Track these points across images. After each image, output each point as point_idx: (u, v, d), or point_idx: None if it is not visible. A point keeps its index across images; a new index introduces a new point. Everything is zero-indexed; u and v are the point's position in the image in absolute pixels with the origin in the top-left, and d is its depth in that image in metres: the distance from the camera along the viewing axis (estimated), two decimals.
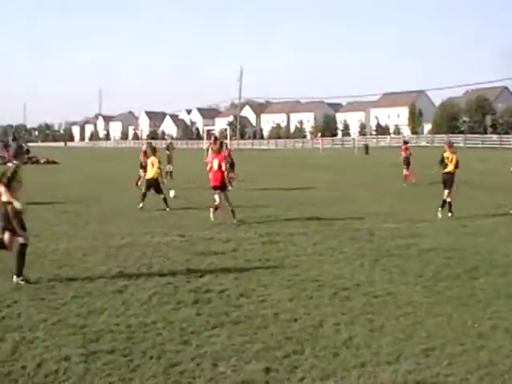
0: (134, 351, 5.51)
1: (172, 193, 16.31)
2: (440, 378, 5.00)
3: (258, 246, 10.68)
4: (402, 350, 5.58)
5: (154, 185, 16.18)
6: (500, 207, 16.16)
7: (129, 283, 7.93)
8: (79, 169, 37.61)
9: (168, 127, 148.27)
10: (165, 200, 15.98)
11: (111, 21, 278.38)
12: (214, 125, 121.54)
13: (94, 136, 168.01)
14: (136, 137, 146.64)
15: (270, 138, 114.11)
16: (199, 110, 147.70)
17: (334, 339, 5.87)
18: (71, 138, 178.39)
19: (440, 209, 14.55)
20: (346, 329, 6.17)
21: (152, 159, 16.39)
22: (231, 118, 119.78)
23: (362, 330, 6.13)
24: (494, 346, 5.69)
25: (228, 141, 62.11)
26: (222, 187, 13.57)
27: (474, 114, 79.94)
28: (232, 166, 20.95)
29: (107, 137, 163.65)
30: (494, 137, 65.23)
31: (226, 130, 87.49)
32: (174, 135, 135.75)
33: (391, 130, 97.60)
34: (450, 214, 14.40)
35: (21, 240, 7.96)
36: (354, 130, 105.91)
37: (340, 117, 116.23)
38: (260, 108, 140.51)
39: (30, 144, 76.39)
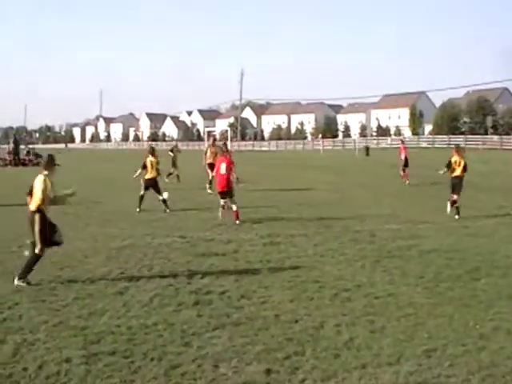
0: (135, 353, 5.51)
1: (166, 194, 16.26)
2: (441, 379, 4.99)
3: (259, 247, 10.68)
4: (403, 351, 5.58)
5: (153, 185, 16.14)
6: (501, 208, 16.15)
7: (130, 285, 7.93)
8: (80, 170, 37.62)
9: (169, 129, 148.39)
10: (164, 201, 15.96)
11: (111, 21, 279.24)
12: (214, 126, 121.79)
13: (95, 138, 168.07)
14: (137, 138, 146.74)
15: (270, 139, 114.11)
16: (200, 111, 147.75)
17: (334, 340, 5.87)
18: (72, 140, 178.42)
19: (457, 217, 14.45)
20: (346, 330, 6.17)
21: (150, 159, 16.31)
22: (232, 120, 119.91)
23: (363, 331, 6.13)
24: (496, 348, 5.68)
25: (229, 142, 62.24)
26: (228, 193, 13.58)
27: (474, 115, 79.94)
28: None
29: (108, 138, 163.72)
30: (495, 138, 65.17)
31: (226, 131, 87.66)
32: (175, 137, 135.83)
33: (392, 132, 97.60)
34: (456, 217, 14.42)
35: (37, 250, 7.95)
36: (355, 132, 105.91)
37: (341, 118, 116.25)
38: (261, 109, 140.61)
39: (31, 146, 76.29)
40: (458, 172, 14.88)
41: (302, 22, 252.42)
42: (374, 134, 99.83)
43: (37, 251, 7.97)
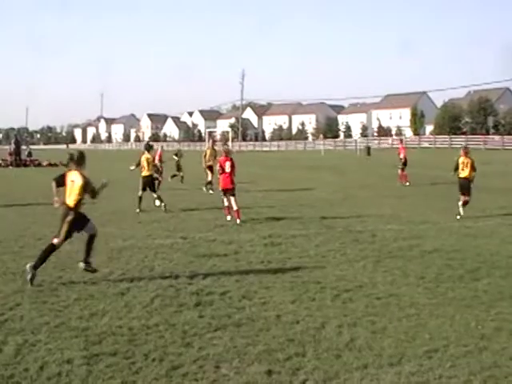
0: (136, 354, 5.51)
1: (157, 202, 16.28)
2: (443, 380, 4.99)
3: (260, 247, 10.68)
4: (405, 352, 5.57)
5: (150, 183, 16.18)
6: (502, 208, 16.13)
7: (131, 285, 7.93)
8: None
9: (170, 129, 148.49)
10: (159, 198, 16.04)
11: (113, 22, 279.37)
12: (215, 127, 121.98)
13: (96, 138, 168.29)
14: (138, 139, 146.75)
15: (271, 139, 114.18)
16: (201, 112, 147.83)
17: (336, 341, 5.86)
18: (73, 141, 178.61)
19: (458, 217, 14.49)
20: (348, 331, 6.17)
21: (146, 156, 16.26)
22: (233, 120, 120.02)
23: (365, 332, 6.13)
24: (498, 348, 5.67)
25: (230, 143, 62.29)
26: (232, 190, 13.91)
27: (475, 115, 79.86)
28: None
29: (109, 139, 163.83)
30: (496, 138, 65.17)
31: (227, 132, 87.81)
32: (176, 137, 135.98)
33: (393, 132, 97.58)
34: (458, 217, 14.41)
35: (56, 241, 8.09)
36: (356, 132, 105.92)
37: (342, 118, 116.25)
38: (262, 110, 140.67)
39: (33, 147, 76.40)
40: (465, 173, 14.85)
41: (303, 22, 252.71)
42: (376, 134, 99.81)
43: (55, 242, 8.06)
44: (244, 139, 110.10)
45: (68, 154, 8.68)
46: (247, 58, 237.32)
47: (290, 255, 10.04)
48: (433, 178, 27.40)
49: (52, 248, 8.14)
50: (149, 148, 16.90)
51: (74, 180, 8.22)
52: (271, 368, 5.20)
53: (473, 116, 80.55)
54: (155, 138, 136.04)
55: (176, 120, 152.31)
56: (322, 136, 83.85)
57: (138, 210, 15.62)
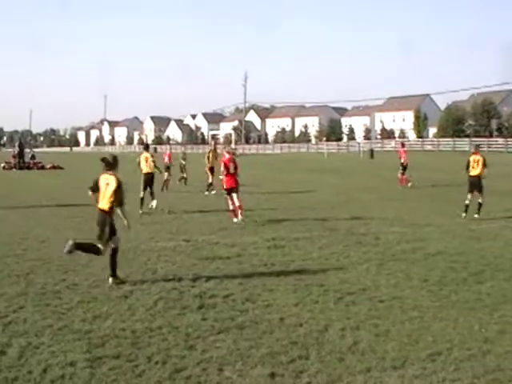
0: (139, 356, 5.51)
1: (154, 203, 16.37)
2: None
3: (264, 250, 10.67)
4: (408, 355, 5.56)
5: (150, 180, 16.41)
6: (507, 211, 16.09)
7: (134, 288, 7.94)
8: (84, 174, 37.71)
9: (173, 132, 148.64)
10: (152, 194, 16.34)
11: (116, 24, 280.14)
12: (218, 129, 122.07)
13: (100, 141, 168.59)
14: (141, 142, 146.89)
15: (274, 142, 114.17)
16: (204, 114, 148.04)
17: (339, 344, 5.86)
18: (76, 144, 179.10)
19: (464, 214, 14.68)
20: (351, 333, 6.16)
21: (145, 155, 16.67)
22: (236, 123, 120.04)
23: (368, 335, 6.12)
24: (501, 351, 5.66)
25: (233, 145, 62.36)
26: (236, 189, 14.36)
27: (479, 118, 79.69)
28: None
29: (112, 142, 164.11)
30: (500, 140, 64.95)
31: (230, 134, 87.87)
32: (179, 140, 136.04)
33: (396, 134, 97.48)
34: (476, 216, 14.58)
35: (113, 245, 8.22)
36: (359, 135, 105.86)
37: (345, 121, 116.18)
38: (265, 112, 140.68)
39: (36, 150, 76.60)
40: (476, 171, 14.94)
41: (306, 24, 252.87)
42: (379, 136, 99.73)
43: (112, 246, 8.18)
44: (247, 142, 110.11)
45: (101, 157, 8.66)
46: (250, 60, 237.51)
47: (293, 258, 10.03)
48: (436, 181, 27.36)
49: (97, 251, 8.27)
50: (147, 147, 17.55)
51: (109, 183, 8.25)
52: (274, 371, 5.20)
53: (476, 118, 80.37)
54: (158, 140, 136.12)
55: (179, 123, 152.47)
56: (324, 139, 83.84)
57: (140, 212, 15.68)
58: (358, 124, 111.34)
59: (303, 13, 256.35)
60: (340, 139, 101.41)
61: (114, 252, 8.27)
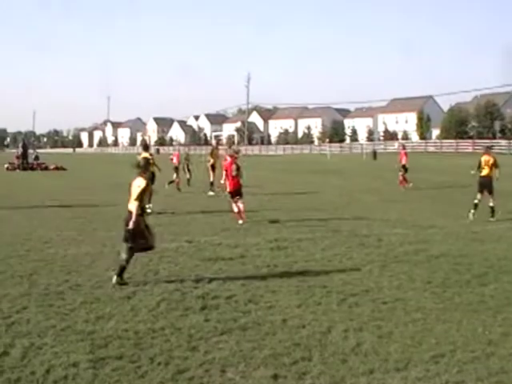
0: (142, 357, 5.51)
1: (151, 205, 16.38)
2: None
3: (266, 251, 10.67)
4: (411, 357, 5.55)
5: (150, 180, 16.38)
6: (510, 213, 16.04)
7: (137, 289, 7.94)
8: (87, 175, 37.79)
9: (176, 133, 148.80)
10: (150, 196, 16.30)
11: (118, 25, 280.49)
12: (221, 131, 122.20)
13: (103, 142, 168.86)
14: (144, 143, 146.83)
15: (277, 143, 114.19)
16: (207, 115, 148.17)
17: (342, 346, 5.85)
18: (80, 145, 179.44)
19: (472, 211, 14.74)
20: (354, 335, 6.15)
21: (144, 156, 16.59)
22: (239, 124, 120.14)
23: (371, 337, 6.11)
24: (505, 354, 5.64)
25: (235, 147, 62.40)
26: (239, 191, 14.36)
27: (482, 120, 79.63)
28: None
29: (115, 143, 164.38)
30: (503, 142, 64.85)
31: (233, 135, 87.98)
32: (182, 141, 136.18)
33: (399, 136, 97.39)
34: (492, 219, 14.62)
35: (149, 243, 8.38)
36: (362, 136, 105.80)
37: (348, 122, 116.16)
38: (267, 114, 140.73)
39: (40, 150, 76.75)
40: (486, 171, 14.98)
41: (309, 25, 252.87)
42: (382, 138, 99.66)
43: (130, 244, 8.22)
44: (250, 143, 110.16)
45: (134, 160, 8.84)
46: (253, 61, 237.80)
47: (296, 259, 10.02)
48: (439, 183, 27.34)
49: (129, 256, 8.29)
50: (146, 147, 17.60)
51: (140, 185, 8.33)
52: (277, 372, 5.19)
53: (479, 120, 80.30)
54: (161, 141, 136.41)
55: (182, 124, 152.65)
56: (327, 140, 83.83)
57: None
58: (361, 125, 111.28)
59: (305, 13, 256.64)
60: (343, 140, 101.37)
61: (128, 256, 8.27)
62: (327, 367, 5.31)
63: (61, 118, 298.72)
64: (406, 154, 25.93)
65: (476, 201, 14.97)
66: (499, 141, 66.50)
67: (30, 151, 49.18)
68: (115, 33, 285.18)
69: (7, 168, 42.84)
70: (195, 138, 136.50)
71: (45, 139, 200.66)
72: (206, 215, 15.85)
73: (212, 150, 24.62)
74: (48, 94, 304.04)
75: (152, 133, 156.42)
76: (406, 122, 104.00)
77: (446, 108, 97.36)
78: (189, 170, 26.55)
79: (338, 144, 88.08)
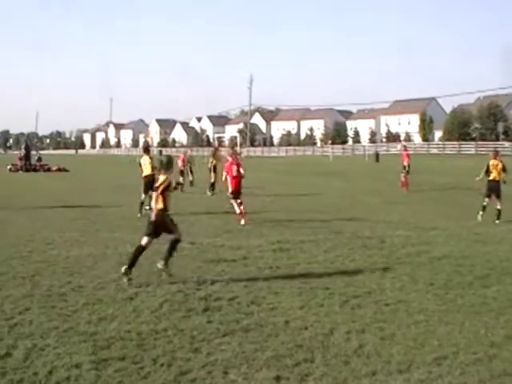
0: (144, 359, 5.52)
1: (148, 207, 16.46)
2: None
3: (269, 253, 10.67)
4: (414, 359, 5.54)
5: (151, 183, 16.37)
6: None
7: (139, 290, 7.94)
8: (90, 176, 37.84)
9: (178, 135, 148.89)
10: (151, 198, 16.27)
11: (121, 26, 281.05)
12: (224, 132, 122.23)
13: (105, 144, 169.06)
14: (146, 145, 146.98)
15: (280, 145, 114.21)
16: (209, 117, 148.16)
17: (344, 347, 5.84)
18: (82, 146, 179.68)
19: (481, 212, 14.83)
20: (356, 337, 6.15)
21: (145, 158, 16.75)
22: (241, 126, 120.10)
23: (373, 339, 6.10)
24: (508, 356, 5.63)
25: (238, 148, 62.43)
26: (240, 192, 14.66)
27: (485, 121, 79.50)
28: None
29: (118, 144, 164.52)
30: (507, 144, 64.75)
31: (236, 137, 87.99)
32: (185, 142, 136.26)
33: (402, 138, 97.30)
34: (497, 221, 14.69)
35: (143, 242, 8.62)
36: (365, 138, 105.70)
37: (350, 124, 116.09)
38: (270, 115, 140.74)
39: (42, 152, 76.87)
40: (494, 175, 15.00)
41: (312, 27, 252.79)
42: (384, 140, 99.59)
43: (143, 243, 8.58)
44: (252, 144, 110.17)
45: (158, 160, 9.12)
46: (255, 62, 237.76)
47: (298, 261, 10.02)
48: (441, 185, 27.31)
49: (176, 243, 8.78)
50: (147, 150, 17.68)
51: (162, 181, 8.63)
52: (280, 374, 5.19)
53: (482, 122, 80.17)
54: (164, 143, 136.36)
55: (184, 125, 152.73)
56: (330, 142, 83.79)
57: (139, 215, 15.82)
58: (364, 127, 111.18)
59: (310, 15, 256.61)
60: (345, 142, 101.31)
61: (140, 248, 8.61)
62: (330, 369, 5.31)
63: (63, 120, 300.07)
64: (407, 155, 25.94)
65: (484, 203, 15.14)
66: (503, 143, 66.34)
67: (33, 152, 49.34)
68: (115, 33, 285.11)
69: (10, 169, 42.93)
70: (197, 139, 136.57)
71: (47, 140, 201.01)
72: (208, 216, 15.86)
73: (214, 152, 24.99)
74: (50, 95, 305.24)
75: (154, 134, 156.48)
76: (408, 124, 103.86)
77: (448, 110, 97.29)
78: (191, 171, 26.75)
79: (340, 146, 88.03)
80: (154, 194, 8.64)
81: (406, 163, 25.32)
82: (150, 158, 16.86)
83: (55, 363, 5.38)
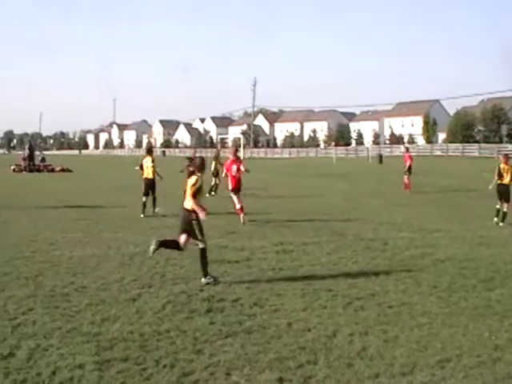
0: (147, 360, 5.52)
1: (157, 209, 16.53)
2: None
3: (272, 255, 10.67)
4: (417, 362, 5.53)
5: (152, 185, 16.53)
6: None
7: (142, 291, 7.95)
8: (93, 177, 37.88)
9: (182, 136, 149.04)
10: (154, 200, 16.50)
11: (123, 27, 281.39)
12: (227, 133, 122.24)
13: (109, 144, 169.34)
14: (149, 146, 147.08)
15: (283, 146, 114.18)
16: (213, 118, 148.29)
17: (347, 349, 5.83)
18: (86, 146, 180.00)
19: (496, 218, 14.97)
20: (359, 339, 6.13)
21: (147, 159, 16.80)
22: (245, 127, 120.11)
23: (376, 341, 6.09)
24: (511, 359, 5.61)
25: (241, 149, 62.49)
26: (240, 189, 15.17)
27: (489, 123, 79.36)
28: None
29: (121, 145, 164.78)
30: (510, 146, 64.56)
31: (239, 138, 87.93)
32: (188, 144, 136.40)
33: (405, 140, 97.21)
34: (501, 224, 14.76)
35: (201, 245, 8.48)
36: (368, 140, 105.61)
37: (354, 126, 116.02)
38: (273, 117, 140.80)
39: (46, 152, 77.01)
40: (506, 180, 15.02)
41: (315, 29, 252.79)
42: (388, 142, 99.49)
43: (201, 246, 8.45)
44: (256, 146, 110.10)
45: (187, 159, 9.12)
46: (258, 64, 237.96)
47: (301, 262, 10.01)
48: (445, 187, 27.26)
49: (204, 252, 8.50)
50: (150, 151, 17.75)
51: (193, 183, 8.59)
52: (282, 376, 5.18)
53: (486, 124, 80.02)
54: (167, 144, 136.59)
55: (188, 126, 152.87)
56: (333, 143, 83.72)
57: (142, 215, 15.91)
58: (367, 129, 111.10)
59: (313, 17, 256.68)
60: (348, 144, 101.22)
61: (203, 252, 8.50)
62: (332, 371, 5.30)
63: (67, 120, 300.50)
64: (410, 156, 25.94)
65: (498, 206, 15.16)
66: (506, 145, 66.16)
67: (37, 153, 49.34)
68: (118, 32, 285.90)
69: (14, 170, 42.99)
70: (201, 140, 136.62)
71: (51, 141, 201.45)
72: (212, 217, 15.82)
73: (216, 155, 24.82)
74: (53, 96, 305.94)
75: (158, 135, 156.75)
76: (412, 126, 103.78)
77: (452, 112, 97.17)
78: None
79: (343, 147, 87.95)
80: (187, 195, 8.52)
81: (408, 165, 25.32)
82: (153, 159, 16.87)
83: (58, 364, 5.39)
